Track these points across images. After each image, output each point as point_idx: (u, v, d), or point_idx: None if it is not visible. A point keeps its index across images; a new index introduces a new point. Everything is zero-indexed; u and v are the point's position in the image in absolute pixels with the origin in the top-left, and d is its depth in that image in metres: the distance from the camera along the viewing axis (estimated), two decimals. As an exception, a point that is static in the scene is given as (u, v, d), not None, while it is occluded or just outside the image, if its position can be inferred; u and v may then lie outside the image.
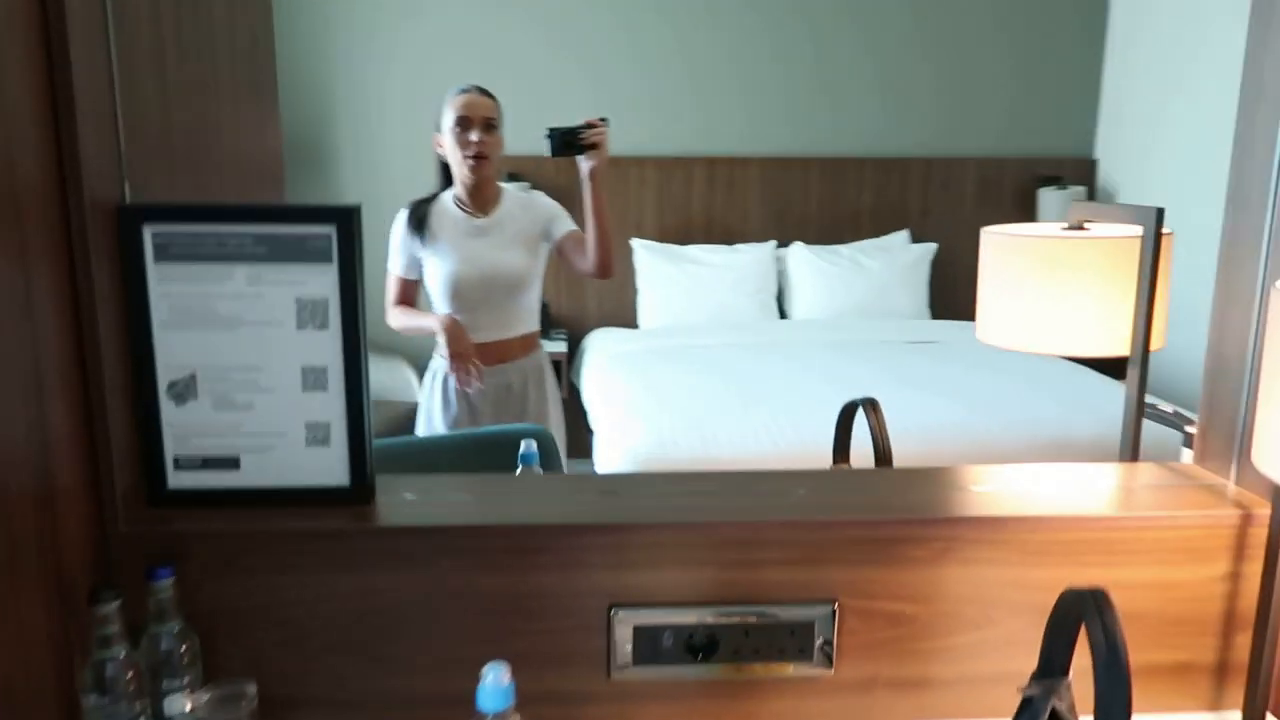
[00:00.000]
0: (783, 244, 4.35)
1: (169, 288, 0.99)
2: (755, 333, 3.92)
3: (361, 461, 1.04)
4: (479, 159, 2.27)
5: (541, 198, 2.48)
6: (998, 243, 1.38)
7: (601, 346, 3.86)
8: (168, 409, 1.01)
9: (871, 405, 1.39)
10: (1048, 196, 4.35)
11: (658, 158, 4.30)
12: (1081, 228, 1.38)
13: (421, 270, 2.38)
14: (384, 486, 1.10)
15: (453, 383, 2.34)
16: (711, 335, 3.88)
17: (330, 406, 1.03)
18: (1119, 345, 1.31)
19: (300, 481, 1.04)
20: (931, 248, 4.31)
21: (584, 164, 2.22)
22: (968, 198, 4.50)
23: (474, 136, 2.25)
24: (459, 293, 2.32)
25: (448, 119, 2.27)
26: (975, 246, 1.44)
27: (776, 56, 4.35)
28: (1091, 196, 4.51)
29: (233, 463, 1.03)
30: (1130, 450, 1.29)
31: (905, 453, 2.59)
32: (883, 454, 1.37)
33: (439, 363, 2.37)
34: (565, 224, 2.41)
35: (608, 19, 4.26)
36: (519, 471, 1.38)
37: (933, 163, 4.46)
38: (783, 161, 4.39)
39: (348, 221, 0.99)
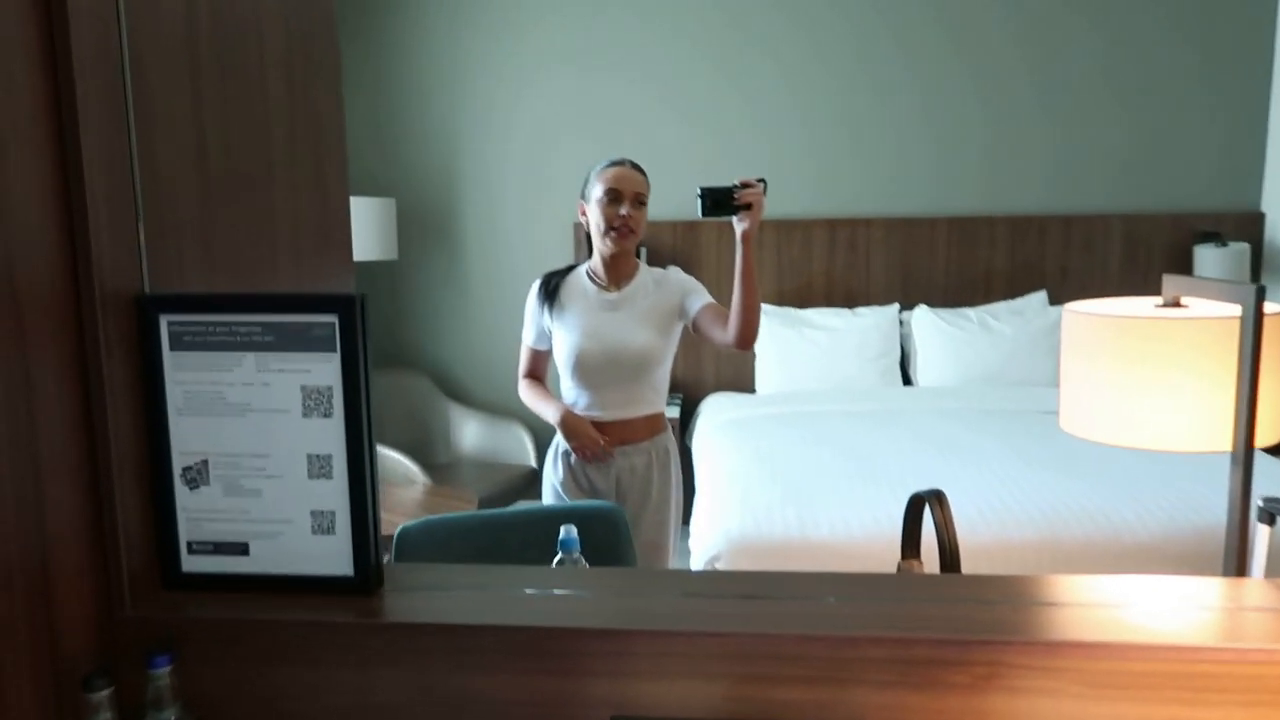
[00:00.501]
0: (907, 307, 4.18)
1: (183, 375, 1.00)
2: (876, 400, 3.76)
3: (366, 551, 1.02)
4: (623, 232, 2.24)
5: (677, 273, 2.42)
6: (1079, 322, 1.25)
7: (715, 412, 3.79)
8: (182, 494, 1.02)
9: (937, 499, 1.27)
10: (1206, 254, 4.01)
11: (776, 219, 4.23)
12: (1177, 304, 1.24)
13: (551, 342, 2.36)
14: (403, 573, 1.07)
15: (574, 459, 2.31)
16: (830, 402, 3.75)
17: (335, 495, 1.02)
18: (1220, 440, 1.15)
19: (306, 569, 1.03)
20: (1071, 310, 4.03)
21: (737, 226, 2.11)
22: (1113, 256, 4.20)
23: (623, 210, 2.22)
24: (582, 368, 2.27)
25: (596, 190, 2.25)
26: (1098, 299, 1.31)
27: (897, 113, 4.23)
28: (1258, 254, 4.13)
29: (242, 548, 1.03)
30: (1235, 562, 1.12)
31: (1023, 542, 2.41)
32: (948, 555, 1.24)
33: (563, 443, 2.35)
34: (701, 298, 2.31)
35: (725, 80, 4.26)
36: (557, 559, 1.33)
37: (1072, 220, 4.20)
38: (907, 221, 4.24)
39: (349, 310, 0.98)
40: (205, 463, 1.02)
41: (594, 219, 2.25)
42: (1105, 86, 4.16)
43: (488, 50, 4.31)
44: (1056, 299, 4.17)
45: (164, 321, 1.00)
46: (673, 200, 4.21)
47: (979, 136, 4.22)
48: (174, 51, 1.10)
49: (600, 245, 2.28)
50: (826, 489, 2.70)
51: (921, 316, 4.07)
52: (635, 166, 2.28)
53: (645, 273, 2.34)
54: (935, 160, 4.25)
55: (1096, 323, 1.21)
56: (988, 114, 4.21)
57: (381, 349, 4.47)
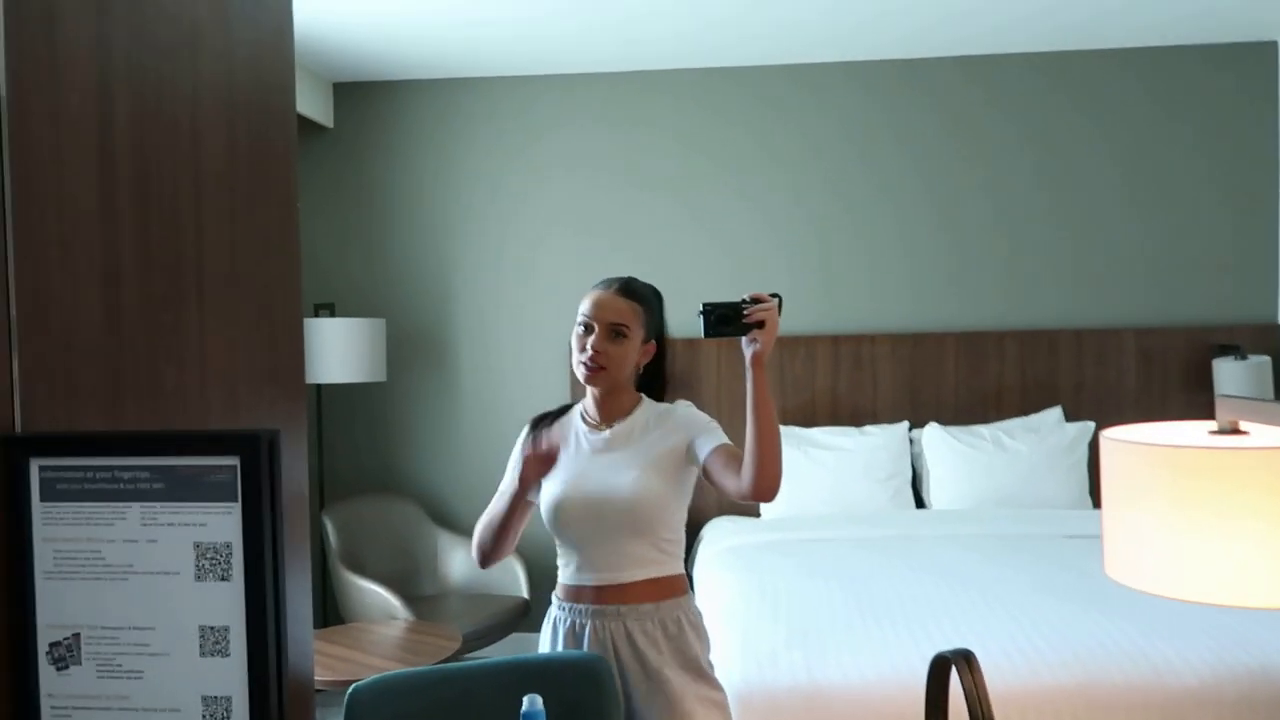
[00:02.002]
0: (917, 425, 4.01)
1: (55, 531, 0.84)
2: (887, 525, 3.55)
3: (267, 749, 0.83)
4: (590, 368, 1.87)
5: (685, 410, 1.94)
6: (1121, 451, 1.08)
7: (716, 539, 3.57)
8: (46, 676, 0.84)
9: (965, 661, 1.08)
10: (1225, 368, 3.86)
11: (779, 334, 4.10)
12: (1236, 430, 1.07)
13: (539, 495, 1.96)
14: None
15: (566, 629, 1.88)
16: (838, 528, 3.54)
17: (230, 677, 0.83)
18: (1303, 594, 0.96)
19: (195, 771, 0.83)
20: (1089, 427, 3.86)
21: (747, 348, 1.77)
22: (1129, 371, 4.05)
23: (591, 343, 1.86)
24: (563, 520, 1.87)
25: (578, 314, 1.90)
26: (1143, 423, 1.14)
27: (904, 227, 4.17)
28: (1279, 366, 3.97)
29: (118, 745, 0.84)
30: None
31: (1056, 688, 2.16)
32: (982, 730, 1.04)
33: (555, 610, 1.94)
34: (713, 438, 1.86)
35: (729, 191, 4.21)
36: (518, 736, 1.13)
37: (1084, 334, 4.07)
38: (914, 337, 4.11)
39: (254, 451, 0.82)
40: (76, 637, 0.84)
41: (572, 346, 1.92)
42: (1117, 200, 4.11)
43: (484, 170, 4.29)
44: (1072, 415, 4.00)
45: (34, 466, 0.83)
46: (675, 318, 4.10)
47: (988, 250, 4.14)
48: (78, 159, 0.98)
49: (578, 374, 1.92)
50: (837, 631, 2.47)
51: (932, 435, 3.90)
52: (627, 290, 1.92)
53: (646, 408, 1.94)
54: (943, 274, 4.16)
55: (1142, 453, 1.04)
56: (997, 228, 4.14)
57: (368, 474, 4.29)
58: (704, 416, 1.92)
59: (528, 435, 1.98)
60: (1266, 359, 3.86)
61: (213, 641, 0.83)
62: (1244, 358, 3.85)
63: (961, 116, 4.14)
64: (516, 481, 1.86)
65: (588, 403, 1.97)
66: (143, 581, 0.83)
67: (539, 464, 1.84)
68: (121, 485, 0.83)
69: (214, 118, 1.27)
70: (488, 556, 1.93)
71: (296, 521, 1.38)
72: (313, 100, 4.11)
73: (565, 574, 1.93)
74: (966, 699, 1.07)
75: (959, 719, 1.20)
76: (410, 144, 4.30)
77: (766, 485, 1.71)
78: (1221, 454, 1.01)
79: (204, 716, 0.83)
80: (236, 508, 0.82)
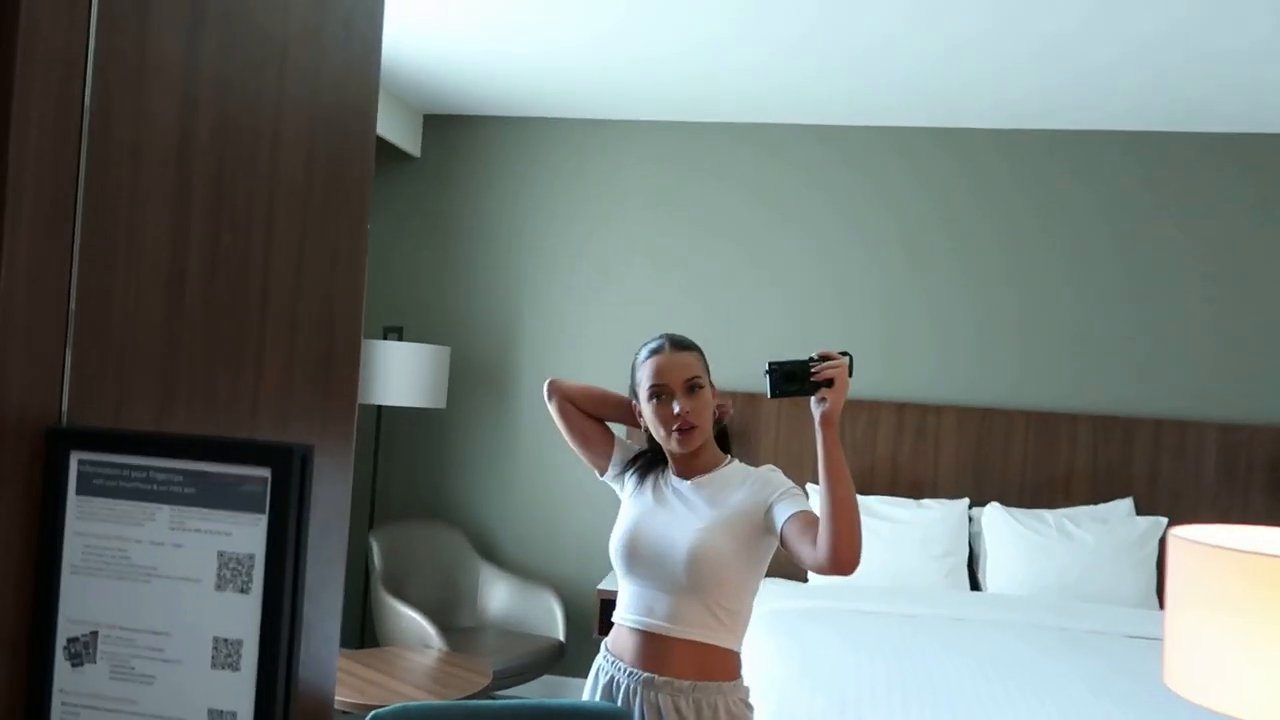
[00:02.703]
0: (978, 503, 3.88)
1: (87, 525, 0.84)
2: (938, 604, 3.42)
3: (267, 771, 0.81)
4: (685, 431, 1.82)
5: (772, 474, 1.86)
6: (1192, 553, 1.01)
7: (761, 601, 3.49)
8: (61, 671, 0.84)
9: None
10: (1312, 474, 3.66)
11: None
12: (1320, 542, 0.99)
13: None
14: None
15: (613, 691, 1.83)
16: (888, 602, 3.43)
17: (239, 692, 0.82)
18: (1387, 729, 0.88)
19: (194, 786, 0.82)
20: (1161, 522, 3.69)
21: (815, 408, 1.70)
22: (1208, 466, 3.87)
23: (676, 408, 1.81)
24: (627, 556, 1.84)
25: (643, 389, 1.86)
26: (1219, 524, 1.07)
27: (981, 298, 4.08)
28: (1372, 478, 3.75)
29: (122, 749, 0.83)
30: None
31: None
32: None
33: (601, 661, 1.90)
34: (793, 504, 1.77)
35: (802, 250, 4.18)
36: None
37: (1163, 424, 3.91)
38: (982, 411, 3.99)
39: (285, 464, 0.81)
40: (95, 635, 0.84)
41: (650, 423, 1.87)
42: (1205, 287, 3.97)
43: (559, 208, 4.34)
44: (1144, 508, 3.84)
45: (74, 459, 0.84)
46: (737, 372, 4.07)
47: (1066, 328, 4.03)
48: (156, 162, 1.00)
49: (665, 448, 1.88)
50: (876, 710, 2.37)
51: (993, 515, 3.76)
52: (678, 344, 1.88)
53: (734, 469, 1.89)
54: (1017, 349, 4.05)
55: (1215, 556, 0.97)
56: (1077, 306, 4.03)
57: (419, 499, 4.31)
58: (787, 481, 1.85)
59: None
60: (1359, 469, 3.66)
61: (225, 654, 0.82)
62: (1335, 465, 3.65)
63: (1047, 190, 4.06)
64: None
65: (672, 463, 1.93)
66: (164, 585, 0.83)
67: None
68: (155, 486, 0.83)
69: (294, 135, 1.30)
70: (561, 386, 1.99)
71: (333, 541, 1.38)
72: (402, 129, 4.22)
73: (619, 612, 1.89)
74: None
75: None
76: (491, 177, 4.38)
77: (845, 555, 1.62)
78: (1302, 566, 0.93)
79: (208, 730, 0.82)
80: (263, 520, 0.82)
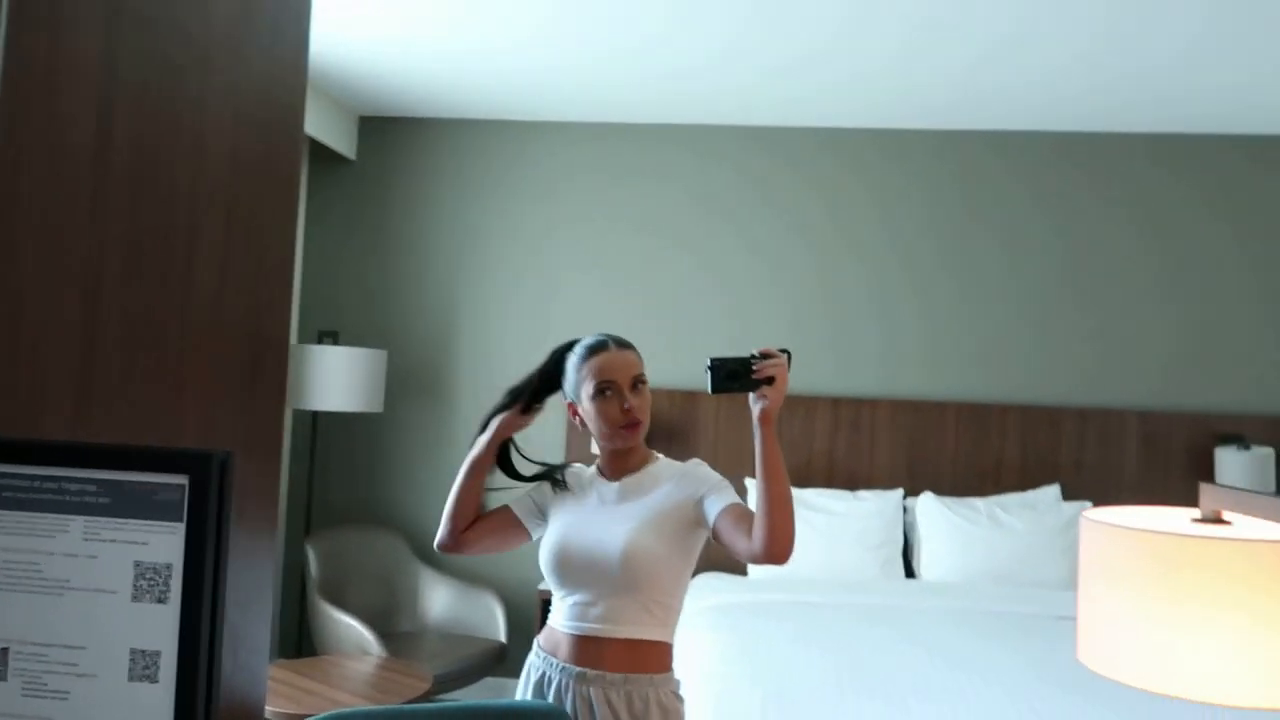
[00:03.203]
0: (912, 493, 3.96)
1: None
2: (875, 593, 3.48)
3: (189, 782, 0.80)
4: (632, 427, 1.84)
5: (699, 469, 1.89)
6: (1100, 534, 1.05)
7: (701, 595, 3.51)
8: (-29, 689, 0.81)
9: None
10: (1227, 457, 3.81)
11: (778, 395, 4.09)
12: (1219, 520, 1.04)
13: (539, 523, 1.95)
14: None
15: (543, 688, 1.85)
16: (825, 593, 3.48)
17: (158, 704, 0.81)
18: (1276, 694, 0.93)
19: (114, 801, 0.80)
20: (1086, 507, 3.81)
21: (755, 404, 1.72)
22: (1131, 454, 4.01)
23: (626, 403, 1.83)
24: (557, 565, 1.84)
25: (587, 387, 1.85)
26: (1124, 507, 1.11)
27: (915, 295, 4.16)
28: (1282, 460, 3.92)
29: (37, 767, 0.81)
30: None
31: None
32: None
33: (533, 659, 1.90)
34: (723, 498, 1.81)
35: (739, 247, 4.22)
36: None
37: (1087, 413, 4.04)
38: (915, 404, 4.08)
39: (203, 471, 0.80)
40: (5, 652, 0.82)
41: (592, 421, 1.86)
42: (1130, 283, 4.10)
43: (498, 210, 4.32)
44: (1071, 494, 3.96)
45: (-19, 471, 0.82)
46: (674, 370, 4.09)
47: (996, 323, 4.13)
48: (71, 165, 0.98)
49: (608, 445, 1.88)
50: (813, 699, 2.41)
51: (927, 504, 3.85)
52: (621, 343, 1.90)
53: (661, 465, 1.91)
54: (950, 344, 4.14)
55: (1122, 537, 1.01)
56: (1006, 301, 4.13)
57: (357, 504, 4.25)
58: (715, 475, 1.87)
59: (559, 469, 1.96)
60: (1270, 451, 3.82)
61: (142, 666, 0.81)
62: (1248, 448, 3.80)
63: (983, 190, 4.16)
64: (485, 440, 1.89)
65: (601, 463, 1.93)
66: (78, 598, 0.81)
67: (513, 421, 1.89)
68: (68, 497, 0.81)
69: (218, 138, 1.28)
70: (445, 536, 1.90)
71: (262, 548, 1.36)
72: (337, 131, 4.16)
73: (553, 617, 1.90)
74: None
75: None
76: (428, 179, 4.34)
77: (779, 547, 1.66)
78: (1201, 543, 0.98)
79: (128, 743, 0.80)
80: (181, 528, 0.80)
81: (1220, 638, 0.96)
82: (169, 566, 0.81)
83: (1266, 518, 0.98)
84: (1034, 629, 3.11)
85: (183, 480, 0.81)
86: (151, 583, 0.81)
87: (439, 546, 1.91)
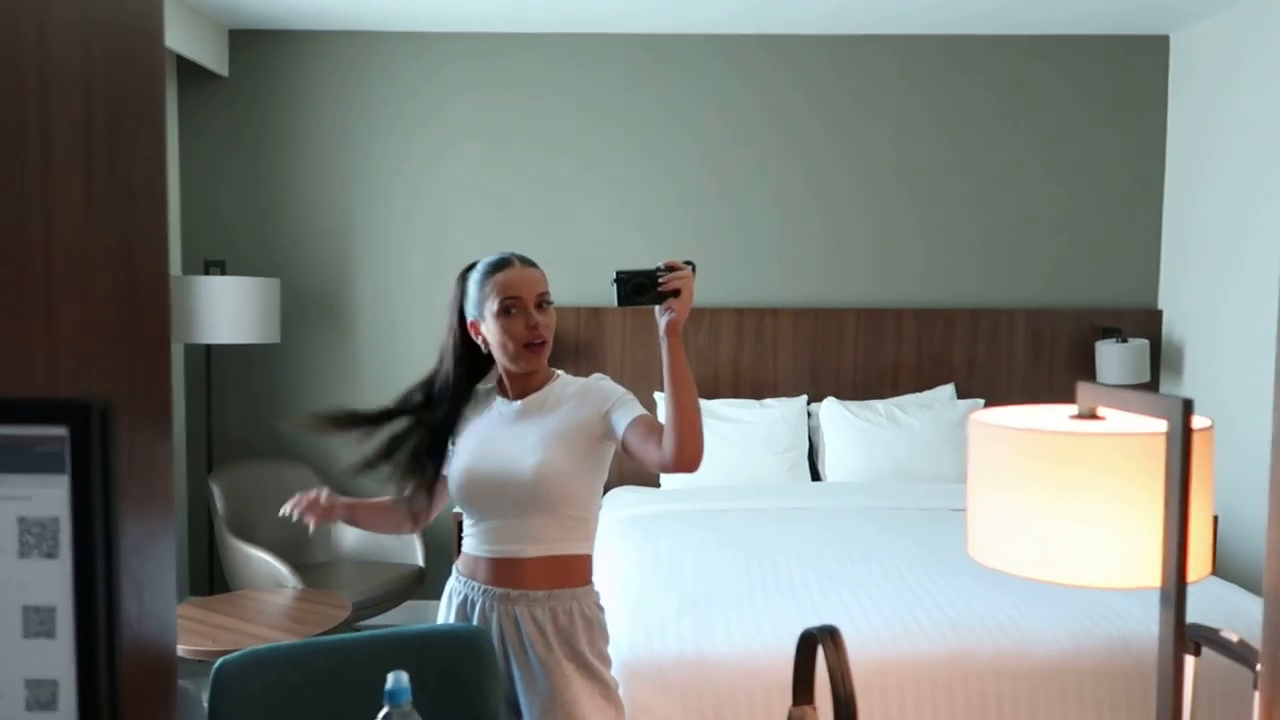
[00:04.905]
0: (815, 399, 4.08)
1: None
2: (783, 496, 3.61)
3: (97, 733, 0.79)
4: (537, 347, 1.81)
5: (602, 383, 1.89)
6: (985, 433, 1.10)
7: (615, 509, 3.58)
8: None
9: (830, 637, 1.10)
10: (1107, 350, 4.03)
11: (683, 308, 4.12)
12: (1095, 416, 1.10)
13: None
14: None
15: (463, 608, 1.86)
16: (736, 499, 3.59)
17: (58, 659, 0.79)
18: (1146, 574, 1.00)
19: (18, 759, 0.78)
20: (979, 404, 4.00)
21: (661, 317, 1.70)
22: (1019, 350, 4.20)
23: (532, 320, 1.80)
24: (468, 492, 1.84)
25: (491, 304, 1.81)
26: (1029, 402, 1.17)
27: (813, 203, 4.21)
28: (1156, 350, 4.17)
29: (-69, 731, 0.78)
30: (1169, 713, 0.96)
31: (932, 655, 2.24)
32: (844, 705, 1.06)
33: (453, 582, 1.91)
34: (630, 410, 1.81)
35: (636, 160, 4.19)
36: (383, 715, 1.10)
37: (979, 313, 4.19)
38: (816, 312, 4.17)
39: (83, 421, 0.77)
40: (-115, 617, 0.78)
41: (496, 339, 1.82)
42: (1013, 186, 4.22)
43: (387, 128, 4.16)
44: (965, 392, 4.13)
45: None
46: (579, 286, 4.07)
47: (888, 229, 4.22)
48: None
49: (512, 366, 1.85)
50: (726, 599, 2.51)
51: (830, 409, 3.97)
52: (525, 261, 1.86)
53: (563, 382, 1.89)
54: (844, 251, 4.22)
55: (1005, 436, 1.06)
56: (897, 207, 4.22)
57: (260, 438, 4.16)
58: (618, 388, 1.88)
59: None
60: (1145, 342, 4.05)
61: (38, 622, 0.78)
62: (1125, 340, 4.02)
63: (873, 96, 4.19)
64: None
65: (505, 381, 1.90)
66: (-41, 558, 0.78)
67: (316, 512, 1.89)
68: (-64, 454, 0.77)
69: (64, 56, 1.19)
70: (409, 531, 2.01)
71: (157, 491, 1.32)
72: (205, 46, 3.91)
73: (467, 543, 1.90)
74: (830, 675, 1.08)
75: (828, 692, 1.22)
76: (310, 97, 4.14)
77: (689, 456, 1.69)
78: (1078, 440, 1.04)
79: (28, 701, 0.78)
80: (65, 480, 0.77)
81: (1095, 526, 1.03)
82: (56, 520, 0.78)
83: (1137, 412, 1.04)
84: (930, 522, 3.28)
85: (63, 431, 0.77)
86: (39, 538, 0.78)
87: (413, 529, 1.99)
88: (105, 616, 0.78)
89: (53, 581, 0.78)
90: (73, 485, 0.77)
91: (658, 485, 3.95)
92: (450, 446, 1.91)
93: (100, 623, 0.78)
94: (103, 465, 0.78)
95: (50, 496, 0.78)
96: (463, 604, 1.85)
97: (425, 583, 3.72)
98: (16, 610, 0.78)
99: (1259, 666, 1.06)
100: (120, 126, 1.30)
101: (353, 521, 1.97)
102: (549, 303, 1.84)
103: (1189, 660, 1.40)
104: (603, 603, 1.91)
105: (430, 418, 1.89)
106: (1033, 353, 4.20)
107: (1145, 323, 4.20)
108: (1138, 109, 4.21)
